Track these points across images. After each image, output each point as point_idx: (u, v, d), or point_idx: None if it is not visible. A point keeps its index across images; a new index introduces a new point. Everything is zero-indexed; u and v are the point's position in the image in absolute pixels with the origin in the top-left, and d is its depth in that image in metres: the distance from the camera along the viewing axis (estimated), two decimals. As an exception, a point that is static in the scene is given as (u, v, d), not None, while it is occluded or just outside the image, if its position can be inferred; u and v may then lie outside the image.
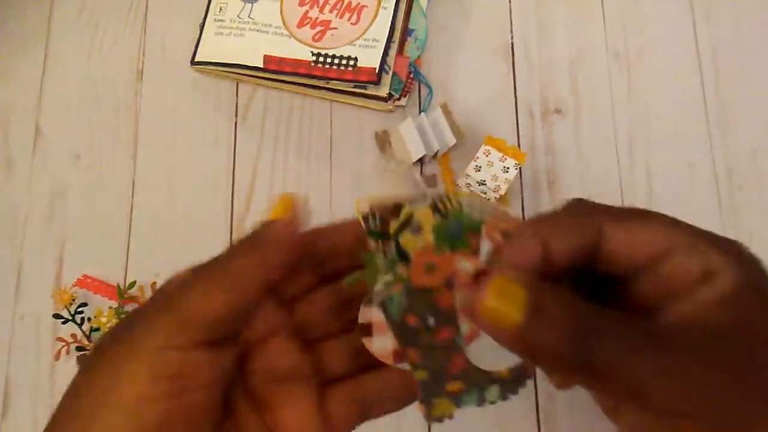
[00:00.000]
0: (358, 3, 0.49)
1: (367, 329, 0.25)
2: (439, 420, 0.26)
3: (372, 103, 0.49)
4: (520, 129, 0.49)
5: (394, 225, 0.24)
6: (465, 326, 0.25)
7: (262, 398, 0.25)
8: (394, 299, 0.24)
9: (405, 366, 0.25)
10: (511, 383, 0.26)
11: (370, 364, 0.26)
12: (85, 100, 0.51)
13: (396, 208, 0.24)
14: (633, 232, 0.23)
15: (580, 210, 0.24)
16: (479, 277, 0.23)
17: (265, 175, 0.49)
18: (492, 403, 0.26)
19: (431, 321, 0.25)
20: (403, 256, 0.24)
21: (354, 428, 0.26)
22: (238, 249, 0.24)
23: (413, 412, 0.45)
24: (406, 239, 0.24)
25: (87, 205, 0.49)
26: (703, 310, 0.22)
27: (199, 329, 0.22)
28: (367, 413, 0.26)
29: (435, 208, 0.24)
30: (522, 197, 0.47)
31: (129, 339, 0.21)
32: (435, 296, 0.24)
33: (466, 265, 0.24)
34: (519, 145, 0.48)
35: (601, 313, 0.21)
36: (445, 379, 0.26)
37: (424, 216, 0.24)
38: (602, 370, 0.20)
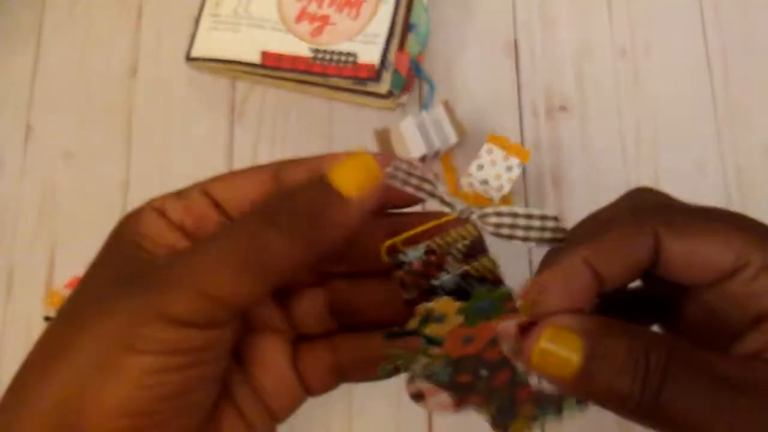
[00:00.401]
0: (358, -2, 0.47)
1: (420, 396, 0.24)
2: None
3: (372, 101, 0.47)
4: (523, 127, 0.48)
5: (413, 323, 0.22)
6: (521, 365, 0.24)
7: (237, 351, 0.23)
8: (439, 372, 0.23)
9: (469, 410, 0.24)
10: None
11: (347, 324, 0.24)
12: (77, 97, 0.50)
13: (427, 252, 0.22)
14: (695, 243, 0.21)
15: (634, 215, 0.22)
16: (526, 329, 0.22)
17: (263, 174, 0.48)
18: (570, 415, 0.25)
19: (484, 372, 0.23)
20: (432, 341, 0.23)
21: (329, 389, 0.25)
22: (285, 221, 0.20)
23: (413, 411, 0.44)
24: (432, 329, 0.23)
25: (79, 204, 0.48)
26: None
27: (224, 310, 0.20)
28: (343, 375, 0.25)
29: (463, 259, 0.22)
30: (525, 196, 0.46)
31: (146, 299, 0.19)
32: (481, 356, 0.23)
33: (508, 324, 0.22)
34: (523, 143, 0.47)
35: (669, 346, 0.20)
36: (515, 408, 0.25)
37: (444, 306, 0.22)
38: (671, 414, 0.19)
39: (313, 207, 0.20)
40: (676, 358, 0.19)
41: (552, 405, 0.25)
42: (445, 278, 0.22)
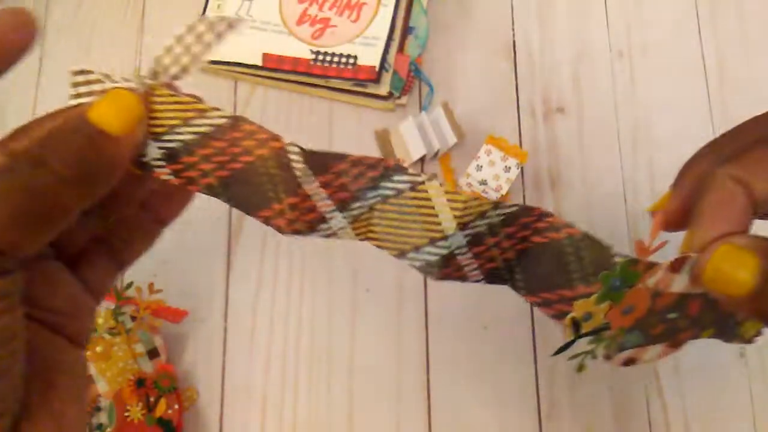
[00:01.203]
0: (358, 0, 0.48)
1: (631, 361, 0.25)
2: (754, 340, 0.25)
3: (372, 102, 0.48)
4: (521, 128, 0.48)
5: (568, 334, 0.23)
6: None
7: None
8: (630, 339, 0.24)
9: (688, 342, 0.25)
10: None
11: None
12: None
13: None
14: None
15: (754, 127, 0.22)
16: (681, 261, 0.22)
17: (264, 174, 0.48)
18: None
19: (672, 315, 0.23)
20: (597, 331, 0.23)
21: (111, 283, 0.25)
22: (58, 165, 0.19)
23: (414, 411, 0.44)
24: (587, 327, 0.23)
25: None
26: None
27: (9, 261, 0.19)
28: (123, 264, 0.25)
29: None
30: (524, 197, 0.47)
31: None
32: (655, 309, 0.23)
33: (657, 275, 0.22)
34: (521, 144, 0.48)
35: None
36: (732, 319, 0.25)
37: (582, 306, 0.23)
38: None
39: (83, 153, 0.20)
40: None
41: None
42: (452, 240, 0.23)
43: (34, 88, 0.51)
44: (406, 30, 0.48)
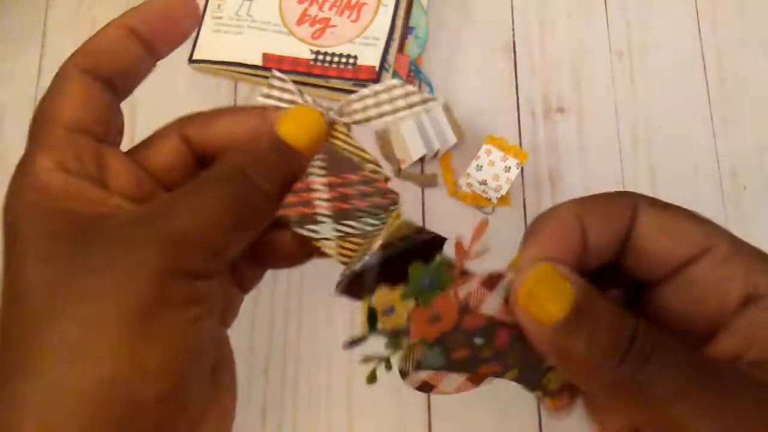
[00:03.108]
0: (358, 0, 0.48)
1: (427, 388, 0.23)
2: (555, 394, 0.24)
3: (372, 102, 0.48)
4: (521, 128, 0.48)
5: (363, 327, 0.22)
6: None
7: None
8: (429, 356, 0.22)
9: (491, 380, 0.23)
10: None
11: None
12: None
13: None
14: (669, 218, 0.21)
15: (615, 193, 0.22)
16: (490, 281, 0.21)
17: (264, 174, 0.48)
18: None
19: (479, 341, 0.22)
20: (396, 334, 0.22)
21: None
22: (263, 181, 0.22)
23: (414, 411, 0.44)
24: (388, 322, 0.22)
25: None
26: (764, 351, 0.19)
27: (223, 262, 0.21)
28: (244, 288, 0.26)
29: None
30: (524, 197, 0.47)
31: (155, 257, 0.19)
32: (463, 327, 0.21)
33: (470, 285, 0.21)
34: (521, 145, 0.48)
35: (656, 334, 0.19)
36: (535, 362, 0.23)
37: (383, 297, 0.21)
38: (645, 398, 0.18)
39: (282, 170, 0.22)
40: (664, 343, 0.19)
41: None
42: (367, 259, 0.22)
43: (34, 88, 0.51)
44: (406, 30, 0.48)
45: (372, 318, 0.21)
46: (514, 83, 0.49)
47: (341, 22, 0.48)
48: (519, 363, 0.23)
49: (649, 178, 0.47)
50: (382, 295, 0.21)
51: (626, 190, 0.23)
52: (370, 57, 0.46)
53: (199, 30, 0.49)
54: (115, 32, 0.23)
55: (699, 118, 0.48)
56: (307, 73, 0.47)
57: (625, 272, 0.22)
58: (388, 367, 0.23)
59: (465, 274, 0.21)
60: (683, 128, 0.48)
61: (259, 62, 0.47)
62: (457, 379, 0.23)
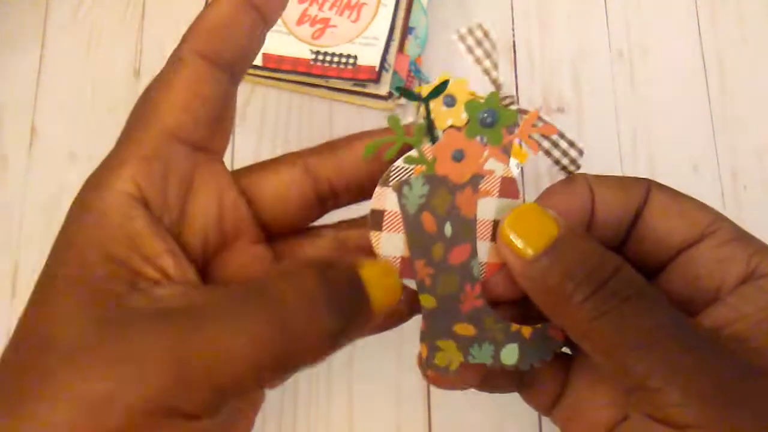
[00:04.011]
0: (358, 1, 0.48)
1: (378, 219, 0.21)
2: (441, 371, 0.22)
3: (372, 102, 0.48)
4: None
5: (426, 89, 0.21)
6: (483, 250, 0.22)
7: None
8: (413, 185, 0.21)
9: (411, 284, 0.22)
10: (533, 347, 0.22)
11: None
12: (81, 99, 0.51)
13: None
14: (677, 201, 0.22)
15: (629, 177, 0.23)
16: (508, 185, 0.21)
17: (264, 174, 0.48)
18: (509, 367, 0.22)
19: (448, 229, 0.21)
20: (431, 130, 0.22)
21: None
22: (318, 325, 0.18)
23: (414, 411, 0.44)
24: (437, 110, 0.21)
25: (83, 205, 0.49)
26: (747, 327, 0.19)
27: (228, 400, 0.17)
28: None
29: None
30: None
31: (155, 387, 0.16)
32: (457, 196, 0.21)
33: (496, 167, 0.22)
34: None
35: (640, 282, 0.19)
36: (454, 315, 0.22)
37: (460, 88, 0.22)
38: (608, 340, 0.18)
39: (352, 309, 0.19)
40: (647, 294, 0.19)
41: (491, 343, 0.22)
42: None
43: (34, 88, 0.51)
44: (406, 30, 0.48)
45: (437, 92, 0.22)
46: (514, 83, 0.49)
47: (341, 22, 0.48)
48: (442, 297, 0.22)
49: (649, 177, 0.47)
50: (459, 84, 0.22)
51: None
52: (370, 57, 0.46)
53: (199, 30, 0.49)
54: (230, 5, 0.20)
55: (699, 118, 0.48)
56: (307, 73, 0.47)
57: (630, 261, 0.22)
58: (390, 156, 0.22)
59: (506, 153, 0.21)
60: (683, 128, 0.48)
61: (259, 62, 0.47)
62: (397, 247, 0.22)
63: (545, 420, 0.42)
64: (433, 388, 0.43)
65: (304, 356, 0.18)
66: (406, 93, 0.22)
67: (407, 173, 0.22)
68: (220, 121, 0.21)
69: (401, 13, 0.48)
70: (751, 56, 0.49)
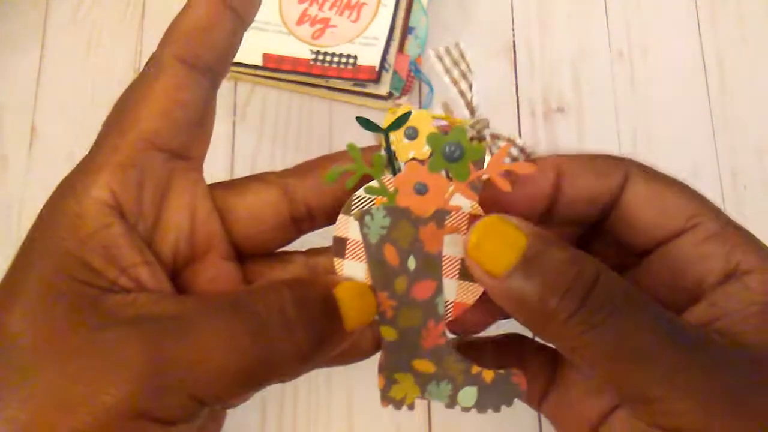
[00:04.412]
0: (358, 1, 0.48)
1: (341, 246, 0.21)
2: (395, 405, 0.22)
3: (372, 102, 0.48)
4: (521, 128, 0.48)
5: (388, 120, 0.20)
6: (450, 288, 0.21)
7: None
8: (375, 216, 0.20)
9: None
10: (493, 392, 0.22)
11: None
12: (81, 99, 0.51)
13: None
14: (659, 190, 0.20)
15: (609, 155, 0.21)
16: (474, 221, 0.20)
17: (264, 174, 0.48)
18: (465, 409, 0.22)
19: (411, 263, 0.21)
20: (391, 161, 0.21)
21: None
22: (291, 344, 0.18)
23: (414, 411, 0.44)
24: (399, 143, 0.21)
25: (83, 205, 0.49)
26: (734, 323, 0.18)
27: (204, 408, 0.17)
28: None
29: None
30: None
31: (124, 388, 0.16)
32: (420, 230, 0.20)
33: (463, 203, 0.20)
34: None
35: (621, 284, 0.18)
36: (415, 350, 0.21)
37: (422, 121, 0.21)
38: (605, 354, 0.17)
39: (323, 328, 0.19)
40: (632, 296, 0.18)
41: (450, 382, 0.22)
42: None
43: (34, 88, 0.51)
44: (406, 30, 0.48)
45: (398, 124, 0.21)
46: (514, 83, 0.49)
47: (341, 22, 0.48)
48: (403, 330, 0.21)
49: (650, 178, 0.47)
50: (421, 115, 0.20)
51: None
52: (370, 57, 0.46)
53: (199, 30, 0.49)
54: (207, 7, 0.20)
55: (699, 118, 0.48)
56: (307, 73, 0.47)
57: (615, 239, 0.21)
58: (352, 183, 0.21)
59: (474, 189, 0.20)
60: (683, 128, 0.48)
61: (259, 62, 0.47)
62: (359, 276, 0.21)
63: (545, 420, 0.42)
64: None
65: (278, 370, 0.18)
66: (365, 123, 0.21)
67: (369, 203, 0.21)
68: (199, 126, 0.21)
69: (401, 13, 0.48)
70: (751, 56, 0.49)
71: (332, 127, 0.49)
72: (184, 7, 0.21)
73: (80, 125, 0.50)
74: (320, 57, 0.47)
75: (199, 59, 0.20)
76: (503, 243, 0.18)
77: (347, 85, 0.47)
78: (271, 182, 0.22)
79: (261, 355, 0.17)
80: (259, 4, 0.22)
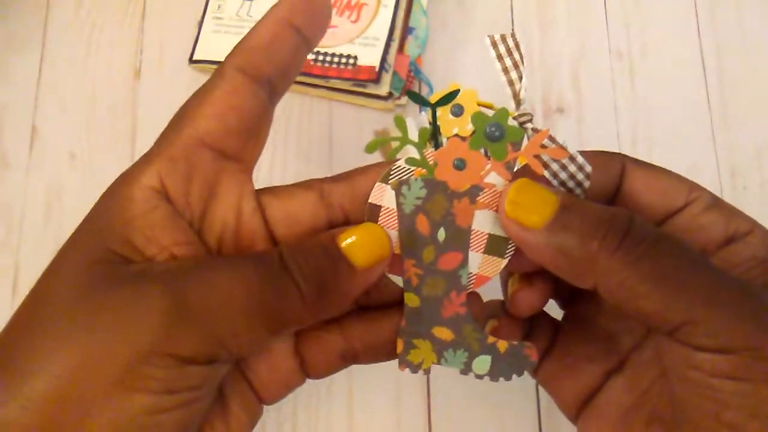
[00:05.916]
0: (358, 1, 0.48)
1: (375, 213, 0.22)
2: (412, 368, 0.23)
3: (372, 102, 0.48)
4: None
5: (436, 95, 0.22)
6: (474, 260, 0.22)
7: None
8: (412, 186, 0.22)
9: (398, 280, 0.23)
10: (506, 362, 0.23)
11: (361, 304, 0.24)
12: (82, 99, 0.51)
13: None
14: (656, 175, 0.22)
15: (603, 151, 0.23)
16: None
17: (264, 174, 0.48)
18: (478, 376, 0.23)
19: (441, 234, 0.22)
20: (435, 135, 0.22)
21: (334, 372, 0.24)
22: (301, 283, 0.19)
23: (414, 409, 0.44)
24: (444, 118, 0.22)
25: (84, 205, 0.48)
26: (742, 273, 0.21)
27: (229, 353, 0.19)
28: (355, 359, 0.24)
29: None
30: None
31: (147, 331, 0.18)
32: (454, 204, 0.22)
33: (497, 181, 0.22)
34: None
35: (656, 228, 0.20)
36: (435, 318, 0.23)
37: (469, 99, 0.22)
38: (649, 284, 0.19)
39: (324, 274, 0.20)
40: (663, 233, 0.19)
41: (466, 350, 0.23)
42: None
43: (34, 88, 0.51)
44: (406, 30, 0.49)
45: (447, 99, 0.22)
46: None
47: (341, 22, 0.48)
48: (426, 299, 0.22)
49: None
50: (468, 94, 0.22)
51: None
52: (370, 57, 0.46)
53: (199, 30, 0.50)
54: (272, 27, 0.21)
55: (699, 118, 0.48)
56: (307, 73, 0.47)
57: None
58: (391, 155, 0.22)
59: (509, 170, 0.21)
60: (683, 128, 0.48)
61: (259, 62, 0.47)
62: (392, 240, 0.22)
63: (545, 419, 0.42)
64: (433, 388, 0.43)
65: (289, 316, 0.20)
66: (415, 97, 0.23)
67: (407, 174, 0.22)
68: (253, 132, 0.22)
69: (401, 14, 0.48)
70: (751, 56, 0.49)
71: (332, 127, 0.49)
72: (251, 28, 0.22)
73: (80, 125, 0.50)
74: (320, 57, 0.47)
75: (258, 71, 0.21)
76: (539, 198, 0.20)
77: (347, 86, 0.47)
78: (310, 186, 0.23)
79: (271, 300, 0.19)
80: (326, 28, 0.23)
